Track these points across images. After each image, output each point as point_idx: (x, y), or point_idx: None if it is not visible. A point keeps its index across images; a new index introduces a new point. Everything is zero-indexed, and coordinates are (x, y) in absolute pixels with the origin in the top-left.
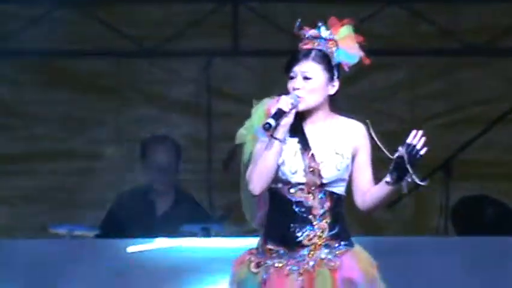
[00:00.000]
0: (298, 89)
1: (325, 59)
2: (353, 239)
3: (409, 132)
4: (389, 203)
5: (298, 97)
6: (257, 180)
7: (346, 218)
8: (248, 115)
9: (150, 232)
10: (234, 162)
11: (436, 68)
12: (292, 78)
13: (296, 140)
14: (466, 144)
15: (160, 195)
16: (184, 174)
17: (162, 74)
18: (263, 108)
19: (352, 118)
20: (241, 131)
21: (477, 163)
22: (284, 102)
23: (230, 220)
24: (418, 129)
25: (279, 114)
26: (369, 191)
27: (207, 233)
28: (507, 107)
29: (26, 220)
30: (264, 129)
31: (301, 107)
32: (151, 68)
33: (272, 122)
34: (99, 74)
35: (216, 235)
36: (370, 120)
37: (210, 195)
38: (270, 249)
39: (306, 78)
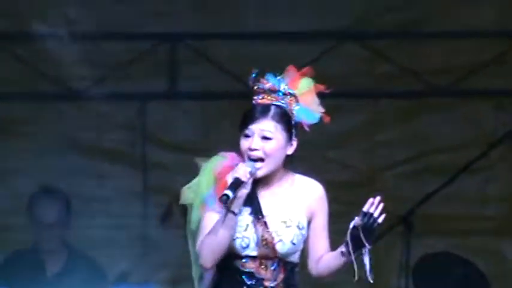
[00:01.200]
0: (256, 149)
1: (285, 117)
2: None
3: (366, 183)
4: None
5: (257, 165)
6: (209, 254)
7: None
8: (187, 165)
9: None
10: (171, 217)
11: (396, 112)
12: (247, 136)
13: (249, 210)
14: (429, 196)
15: (50, 254)
16: (116, 231)
17: (92, 120)
18: (212, 170)
19: (309, 176)
20: (187, 192)
21: (441, 217)
22: (242, 172)
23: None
24: (375, 179)
25: (237, 185)
26: (323, 257)
27: None
28: (474, 154)
29: None
30: (221, 202)
31: (260, 173)
32: (80, 113)
33: (230, 193)
34: (19, 119)
35: None
36: (323, 171)
37: (146, 253)
38: None
39: (264, 138)
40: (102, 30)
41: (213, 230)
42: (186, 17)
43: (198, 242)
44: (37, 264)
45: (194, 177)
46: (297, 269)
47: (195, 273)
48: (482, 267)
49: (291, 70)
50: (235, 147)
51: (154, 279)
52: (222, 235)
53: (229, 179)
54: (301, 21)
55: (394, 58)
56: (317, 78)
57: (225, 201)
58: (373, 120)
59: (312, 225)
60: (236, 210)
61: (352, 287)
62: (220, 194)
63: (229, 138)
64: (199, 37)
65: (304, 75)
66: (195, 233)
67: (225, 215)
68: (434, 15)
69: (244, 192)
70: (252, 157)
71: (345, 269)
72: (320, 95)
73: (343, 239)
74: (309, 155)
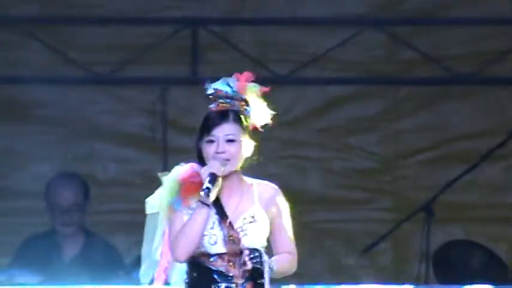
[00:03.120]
0: (222, 152)
1: (242, 120)
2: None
3: (388, 171)
4: (365, 248)
5: (226, 160)
6: (185, 248)
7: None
8: None
9: (58, 279)
10: None
11: (418, 99)
12: (211, 141)
13: (214, 210)
14: (450, 183)
15: (67, 238)
16: (138, 215)
17: (114, 104)
18: (174, 178)
19: (264, 179)
20: (153, 201)
21: (462, 204)
22: (216, 167)
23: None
24: (397, 166)
25: (214, 180)
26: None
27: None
28: (495, 142)
29: None
30: (203, 195)
31: (226, 171)
32: (102, 97)
33: (210, 186)
34: (43, 103)
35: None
36: (343, 158)
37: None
38: None
39: (229, 141)
40: (125, 15)
41: (187, 225)
42: (209, 1)
43: (172, 239)
44: (54, 248)
45: None
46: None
47: (144, 277)
48: (502, 255)
49: (237, 76)
50: (256, 133)
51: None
52: (197, 227)
53: (205, 176)
54: (323, 8)
55: (416, 45)
56: (339, 65)
57: (207, 193)
58: (395, 107)
59: (272, 224)
60: (210, 203)
61: (374, 273)
62: (188, 196)
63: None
64: (221, 22)
65: (249, 80)
66: (151, 239)
67: (200, 208)
68: (457, 1)
69: (218, 186)
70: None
71: (366, 255)
72: (342, 81)
73: (366, 226)
74: (330, 142)
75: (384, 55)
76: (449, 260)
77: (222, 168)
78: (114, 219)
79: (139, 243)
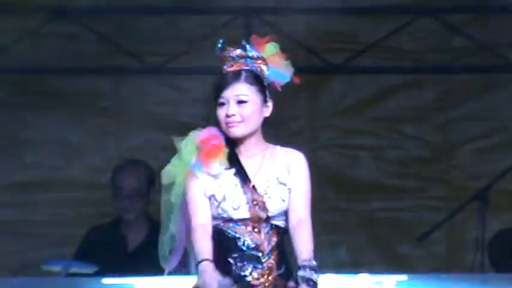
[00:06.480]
0: (233, 115)
1: (257, 79)
2: (379, 276)
3: (442, 159)
4: (419, 236)
5: (238, 123)
6: None
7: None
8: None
9: (123, 269)
10: None
11: (471, 87)
12: (222, 104)
13: (233, 171)
14: (505, 171)
15: (131, 227)
16: None
17: (169, 94)
18: (193, 142)
19: (290, 147)
20: (169, 169)
21: None
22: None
23: None
24: (452, 155)
25: None
26: (295, 235)
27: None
28: None
29: (15, 256)
30: None
31: (239, 133)
32: (157, 87)
33: None
34: (97, 93)
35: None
36: (396, 146)
37: None
38: None
39: (240, 102)
40: (178, 5)
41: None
42: None
43: (188, 209)
44: (118, 238)
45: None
46: (286, 239)
47: (165, 247)
48: None
49: (255, 37)
50: (310, 122)
51: None
52: None
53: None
54: None
55: (470, 33)
56: (392, 54)
57: None
58: (449, 95)
59: (292, 191)
60: None
61: (429, 262)
62: (209, 159)
63: (305, 113)
64: (274, 11)
65: (268, 41)
66: (174, 205)
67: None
68: None
69: None
70: (230, 124)
71: (420, 244)
72: (395, 70)
73: (420, 215)
74: (383, 130)
75: (436, 43)
76: (505, 248)
77: None
78: None
79: None
